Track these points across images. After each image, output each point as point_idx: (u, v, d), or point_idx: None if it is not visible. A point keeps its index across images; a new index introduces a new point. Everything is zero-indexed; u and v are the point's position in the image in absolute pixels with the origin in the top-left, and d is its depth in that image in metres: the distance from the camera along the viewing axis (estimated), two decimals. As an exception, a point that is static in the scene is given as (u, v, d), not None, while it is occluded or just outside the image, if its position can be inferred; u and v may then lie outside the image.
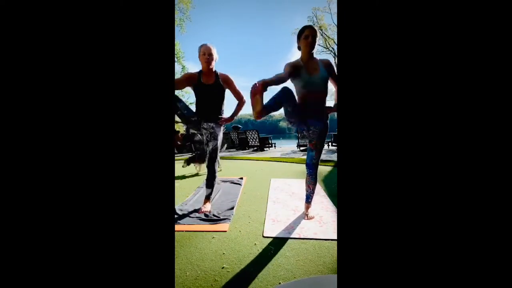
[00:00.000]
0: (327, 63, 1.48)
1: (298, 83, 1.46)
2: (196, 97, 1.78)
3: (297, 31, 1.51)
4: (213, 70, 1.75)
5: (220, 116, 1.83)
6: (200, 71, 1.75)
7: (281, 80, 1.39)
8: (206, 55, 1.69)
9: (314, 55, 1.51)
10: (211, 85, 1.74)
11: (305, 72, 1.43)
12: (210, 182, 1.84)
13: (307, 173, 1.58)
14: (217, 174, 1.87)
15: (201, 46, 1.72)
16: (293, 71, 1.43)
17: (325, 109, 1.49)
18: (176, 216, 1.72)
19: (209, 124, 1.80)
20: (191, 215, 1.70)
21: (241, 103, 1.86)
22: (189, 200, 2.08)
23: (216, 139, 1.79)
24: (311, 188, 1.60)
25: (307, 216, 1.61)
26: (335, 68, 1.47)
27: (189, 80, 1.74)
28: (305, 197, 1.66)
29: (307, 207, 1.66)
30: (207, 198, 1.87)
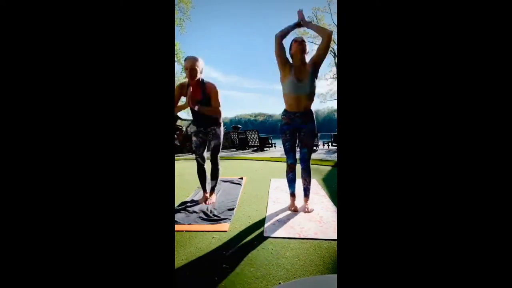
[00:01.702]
0: (313, 63, 1.60)
1: (287, 87, 1.64)
2: (191, 110, 1.88)
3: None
4: (200, 81, 1.79)
5: (215, 119, 1.90)
6: (188, 82, 1.81)
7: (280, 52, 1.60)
8: (188, 70, 1.73)
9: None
10: (200, 101, 1.80)
11: (294, 78, 1.60)
12: (214, 174, 1.97)
13: (301, 168, 1.73)
14: (220, 167, 1.99)
15: (186, 59, 1.76)
16: (284, 64, 1.62)
17: (311, 112, 1.70)
18: (178, 210, 1.76)
19: (210, 128, 1.91)
20: (191, 214, 1.71)
21: (214, 112, 1.84)
22: (189, 200, 2.08)
23: (218, 138, 1.92)
24: (307, 181, 1.74)
25: (307, 209, 1.72)
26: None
27: (180, 91, 1.84)
28: (303, 192, 1.77)
29: (306, 201, 1.78)
30: (212, 189, 2.01)
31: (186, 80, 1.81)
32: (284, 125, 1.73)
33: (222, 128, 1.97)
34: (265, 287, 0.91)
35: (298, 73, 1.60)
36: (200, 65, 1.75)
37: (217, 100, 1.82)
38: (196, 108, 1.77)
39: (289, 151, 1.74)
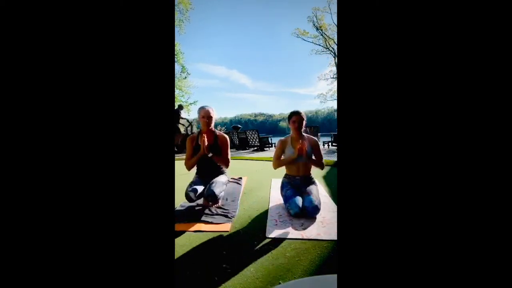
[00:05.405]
0: (313, 143, 1.80)
1: (286, 154, 1.81)
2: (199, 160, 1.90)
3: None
4: (212, 130, 1.88)
5: (220, 170, 1.94)
6: (199, 132, 1.89)
7: (279, 155, 1.81)
8: (205, 118, 1.81)
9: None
10: (210, 146, 1.83)
11: (292, 150, 1.76)
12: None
13: (310, 213, 1.55)
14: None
15: (201, 109, 1.83)
16: (283, 146, 1.81)
17: (311, 176, 1.87)
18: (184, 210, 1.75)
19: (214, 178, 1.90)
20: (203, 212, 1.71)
21: (224, 162, 1.90)
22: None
23: (221, 186, 1.86)
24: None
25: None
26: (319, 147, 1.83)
27: (192, 143, 1.88)
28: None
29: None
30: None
31: (194, 133, 1.93)
32: (285, 182, 1.82)
33: (226, 176, 1.96)
34: (265, 287, 0.91)
35: (296, 144, 1.73)
36: (214, 113, 1.86)
37: (228, 150, 1.89)
38: (210, 155, 1.81)
39: (291, 196, 1.63)
